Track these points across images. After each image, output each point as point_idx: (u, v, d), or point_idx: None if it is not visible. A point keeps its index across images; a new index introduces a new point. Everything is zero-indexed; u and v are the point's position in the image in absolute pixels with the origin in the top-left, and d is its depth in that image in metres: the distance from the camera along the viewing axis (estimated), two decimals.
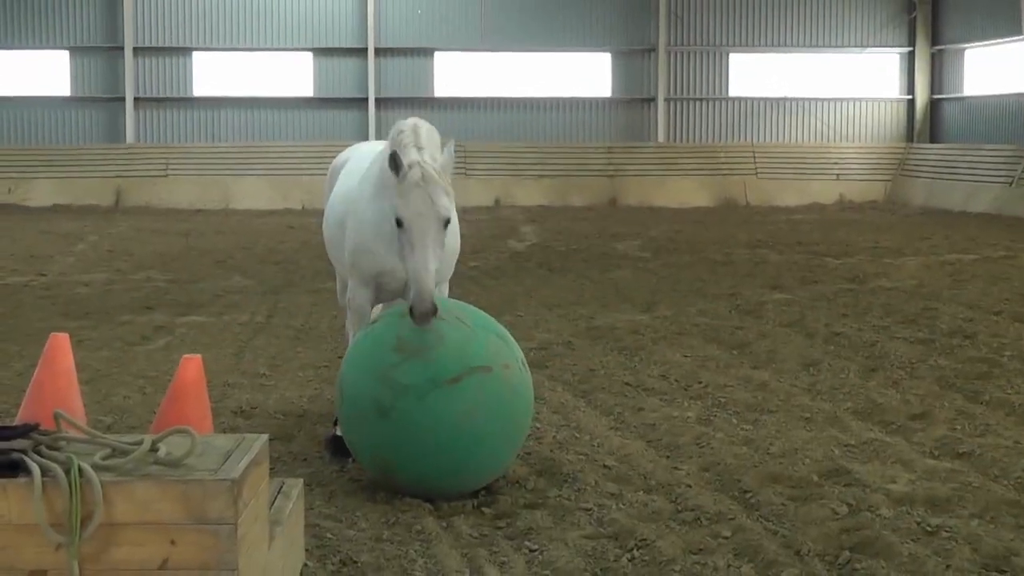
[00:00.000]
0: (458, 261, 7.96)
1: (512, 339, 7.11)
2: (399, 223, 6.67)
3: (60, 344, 6.64)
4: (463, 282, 15.60)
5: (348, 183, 8.03)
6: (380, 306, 8.10)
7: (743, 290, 15.37)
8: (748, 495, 6.84)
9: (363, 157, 8.13)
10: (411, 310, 6.56)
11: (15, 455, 4.48)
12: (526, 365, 7.11)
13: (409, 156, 6.74)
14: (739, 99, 36.13)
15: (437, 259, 6.74)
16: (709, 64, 36.10)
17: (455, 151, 7.02)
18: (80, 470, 4.40)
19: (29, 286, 16.27)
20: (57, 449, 4.65)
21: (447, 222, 6.79)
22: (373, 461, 6.88)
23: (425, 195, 6.66)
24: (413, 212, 6.64)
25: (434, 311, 6.54)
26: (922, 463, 7.49)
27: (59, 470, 4.40)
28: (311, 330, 12.76)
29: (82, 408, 6.66)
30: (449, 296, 7.72)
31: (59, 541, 4.38)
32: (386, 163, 6.92)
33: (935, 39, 35.78)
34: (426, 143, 6.89)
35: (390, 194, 6.85)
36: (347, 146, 9.51)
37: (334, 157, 9.19)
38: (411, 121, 7.11)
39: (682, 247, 21.25)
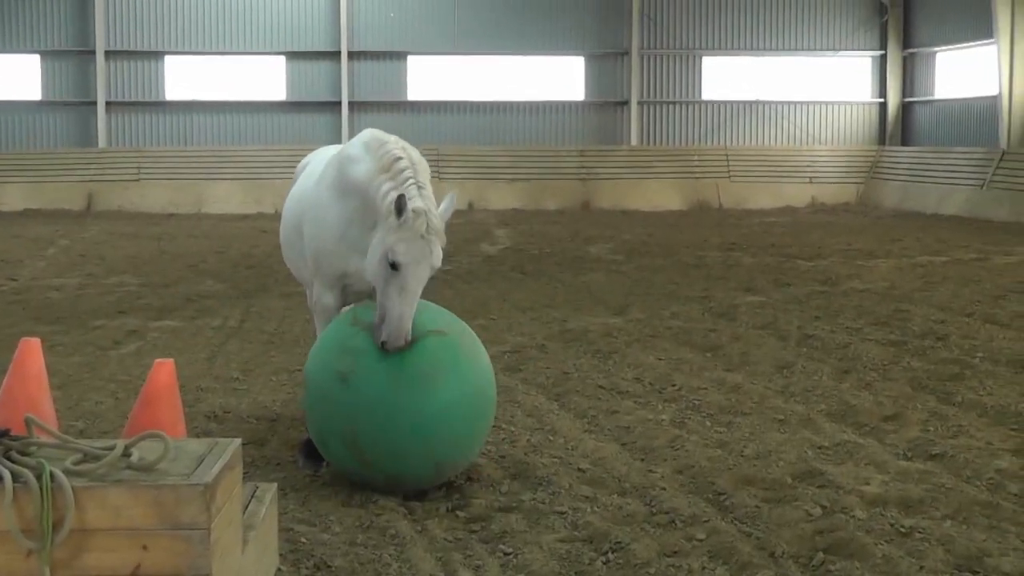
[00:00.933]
0: None
1: (464, 323, 7.33)
2: (394, 266, 6.67)
3: (31, 349, 6.60)
4: (436, 286, 15.57)
5: (304, 185, 8.04)
6: (347, 308, 8.08)
7: (716, 293, 15.40)
8: (722, 497, 6.85)
9: (321, 162, 8.12)
10: (383, 343, 6.67)
11: None
12: (478, 339, 7.29)
13: (415, 203, 6.70)
14: (712, 102, 36.21)
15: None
16: (682, 67, 36.16)
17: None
18: (52, 475, 4.37)
19: (0, 291, 16.17)
20: (28, 454, 4.62)
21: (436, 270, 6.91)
22: (343, 442, 6.83)
23: (427, 246, 6.71)
24: (411, 260, 6.67)
25: (406, 344, 6.70)
26: (895, 464, 7.51)
27: (30, 475, 4.37)
28: (284, 334, 12.72)
29: (54, 413, 6.63)
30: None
31: (30, 547, 4.35)
32: (347, 150, 7.07)
33: (907, 42, 35.96)
34: (425, 180, 6.92)
35: (383, 227, 6.78)
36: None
37: None
38: (400, 145, 7.10)
39: (655, 250, 21.28)
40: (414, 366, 6.69)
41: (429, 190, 6.90)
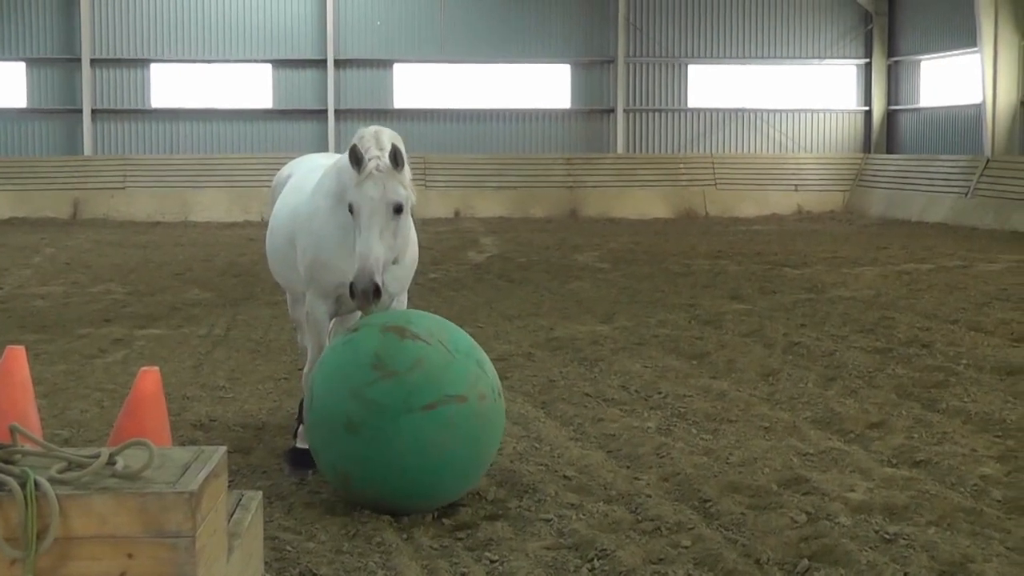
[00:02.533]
0: (417, 271, 7.97)
1: (491, 367, 7.04)
2: (350, 209, 6.79)
3: (16, 357, 6.59)
4: (424, 293, 15.60)
5: (295, 199, 8.01)
6: (335, 320, 8.06)
7: (702, 300, 15.43)
8: (708, 504, 6.86)
9: (310, 170, 8.12)
10: (351, 287, 6.66)
11: None
12: (502, 395, 7.04)
13: (369, 152, 6.83)
14: (698, 110, 36.29)
15: (389, 248, 6.84)
16: (668, 75, 36.24)
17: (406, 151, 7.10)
18: (36, 483, 4.36)
19: None
20: (12, 463, 4.60)
21: (398, 208, 6.86)
22: (334, 471, 6.82)
23: (379, 182, 6.78)
24: (364, 196, 6.77)
25: (375, 291, 6.64)
26: (880, 471, 7.53)
27: (14, 483, 4.36)
28: (270, 343, 12.72)
29: (38, 421, 6.62)
30: (409, 307, 7.75)
31: (14, 556, 4.34)
32: (346, 159, 7.04)
33: (891, 51, 36.08)
34: (387, 145, 6.95)
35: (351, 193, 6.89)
36: None
37: None
38: (373, 128, 7.17)
39: (641, 258, 21.31)
40: (426, 435, 6.53)
41: (387, 152, 6.92)
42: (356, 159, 6.82)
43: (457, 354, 6.76)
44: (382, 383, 6.55)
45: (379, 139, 6.98)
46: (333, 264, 7.33)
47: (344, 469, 6.73)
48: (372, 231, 6.75)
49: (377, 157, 6.82)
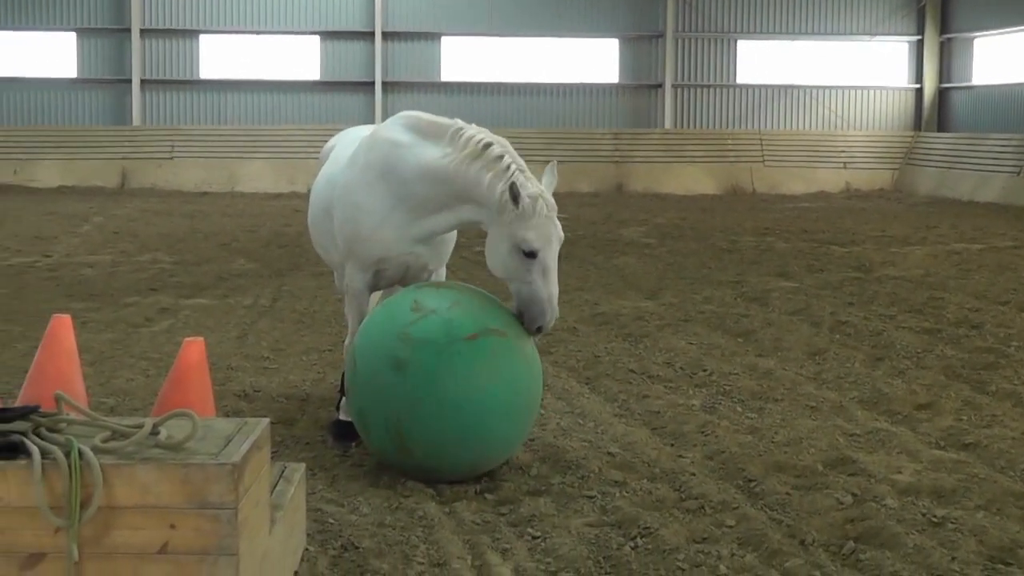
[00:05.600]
0: (462, 245, 7.96)
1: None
2: (531, 254, 6.74)
3: (62, 325, 6.61)
4: (469, 267, 15.58)
5: (332, 169, 7.98)
6: (378, 294, 8.05)
7: (749, 278, 15.33)
8: (752, 484, 6.81)
9: (351, 143, 8.05)
10: (539, 328, 6.80)
11: (15, 437, 4.45)
12: (535, 343, 7.13)
13: (528, 188, 6.77)
14: (747, 86, 36.05)
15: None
16: (717, 51, 36.02)
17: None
18: (80, 452, 4.37)
19: (34, 267, 16.26)
20: (57, 431, 4.62)
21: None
22: (385, 426, 6.73)
23: (551, 225, 6.81)
24: (545, 243, 6.77)
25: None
26: (928, 453, 7.45)
27: (59, 452, 4.37)
28: (315, 314, 12.73)
29: (84, 390, 6.64)
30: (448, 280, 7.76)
31: (58, 524, 4.35)
32: (382, 131, 7.11)
33: (944, 27, 35.69)
34: (522, 162, 6.97)
35: (497, 221, 6.83)
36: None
37: None
38: (484, 132, 7.07)
39: (688, 234, 21.21)
40: (472, 365, 6.62)
41: (528, 170, 6.92)
42: (515, 196, 6.70)
43: (490, 299, 7.03)
44: (424, 320, 6.67)
45: (515, 157, 6.95)
46: (373, 237, 7.29)
47: (395, 416, 6.64)
48: (555, 272, 6.85)
49: (541, 196, 6.78)
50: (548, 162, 7.35)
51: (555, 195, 7.01)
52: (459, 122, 7.13)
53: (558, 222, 6.86)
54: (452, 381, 6.55)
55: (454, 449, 6.67)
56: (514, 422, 6.83)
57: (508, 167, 6.83)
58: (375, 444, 6.95)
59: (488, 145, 6.91)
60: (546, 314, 6.76)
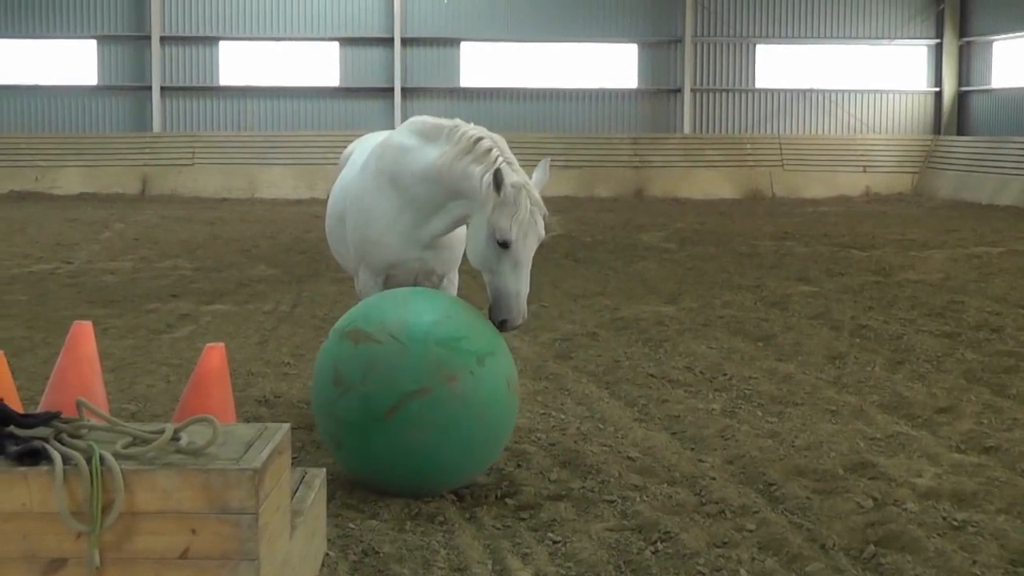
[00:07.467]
0: None
1: (475, 336, 6.58)
2: (504, 244, 6.61)
3: (83, 332, 6.64)
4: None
5: (347, 174, 8.01)
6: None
7: (768, 282, 15.31)
8: (773, 488, 6.80)
9: (366, 149, 8.07)
10: (503, 323, 6.65)
11: (36, 443, 4.47)
12: (484, 363, 6.51)
13: (512, 177, 6.65)
14: (766, 91, 35.99)
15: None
16: (736, 55, 35.97)
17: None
18: (101, 458, 4.39)
19: (55, 274, 16.32)
20: (79, 437, 4.64)
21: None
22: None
23: (531, 219, 6.66)
24: (520, 235, 6.63)
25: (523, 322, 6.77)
26: (948, 457, 7.43)
27: (80, 458, 4.39)
28: (335, 320, 12.66)
29: (105, 396, 6.67)
30: (458, 282, 7.76)
31: (80, 529, 4.37)
32: (394, 137, 7.07)
33: (963, 31, 35.58)
34: (511, 155, 6.86)
35: (480, 210, 6.69)
36: None
37: None
38: (480, 129, 7.00)
39: (707, 239, 21.18)
40: (397, 441, 6.39)
41: (517, 164, 6.85)
42: (497, 184, 6.56)
43: (411, 343, 6.41)
44: (344, 399, 6.48)
45: (504, 151, 6.81)
46: (383, 242, 7.31)
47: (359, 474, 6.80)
48: (527, 272, 6.73)
49: (524, 186, 6.65)
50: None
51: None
52: (458, 121, 7.11)
53: (540, 219, 6.71)
54: (389, 458, 6.48)
55: (417, 490, 6.62)
56: (475, 458, 6.70)
57: (495, 158, 6.75)
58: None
59: (479, 140, 6.86)
60: (512, 310, 6.62)
